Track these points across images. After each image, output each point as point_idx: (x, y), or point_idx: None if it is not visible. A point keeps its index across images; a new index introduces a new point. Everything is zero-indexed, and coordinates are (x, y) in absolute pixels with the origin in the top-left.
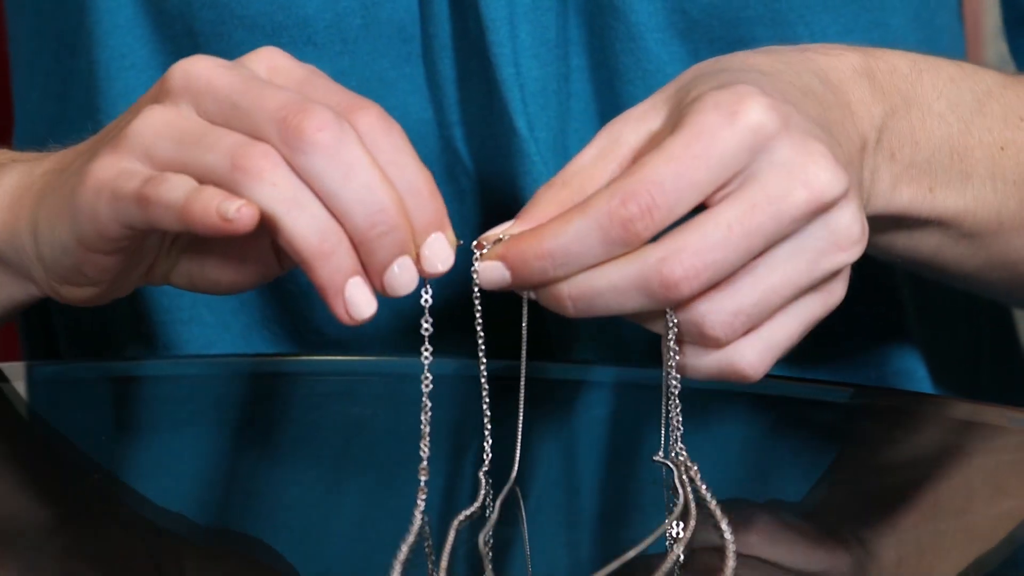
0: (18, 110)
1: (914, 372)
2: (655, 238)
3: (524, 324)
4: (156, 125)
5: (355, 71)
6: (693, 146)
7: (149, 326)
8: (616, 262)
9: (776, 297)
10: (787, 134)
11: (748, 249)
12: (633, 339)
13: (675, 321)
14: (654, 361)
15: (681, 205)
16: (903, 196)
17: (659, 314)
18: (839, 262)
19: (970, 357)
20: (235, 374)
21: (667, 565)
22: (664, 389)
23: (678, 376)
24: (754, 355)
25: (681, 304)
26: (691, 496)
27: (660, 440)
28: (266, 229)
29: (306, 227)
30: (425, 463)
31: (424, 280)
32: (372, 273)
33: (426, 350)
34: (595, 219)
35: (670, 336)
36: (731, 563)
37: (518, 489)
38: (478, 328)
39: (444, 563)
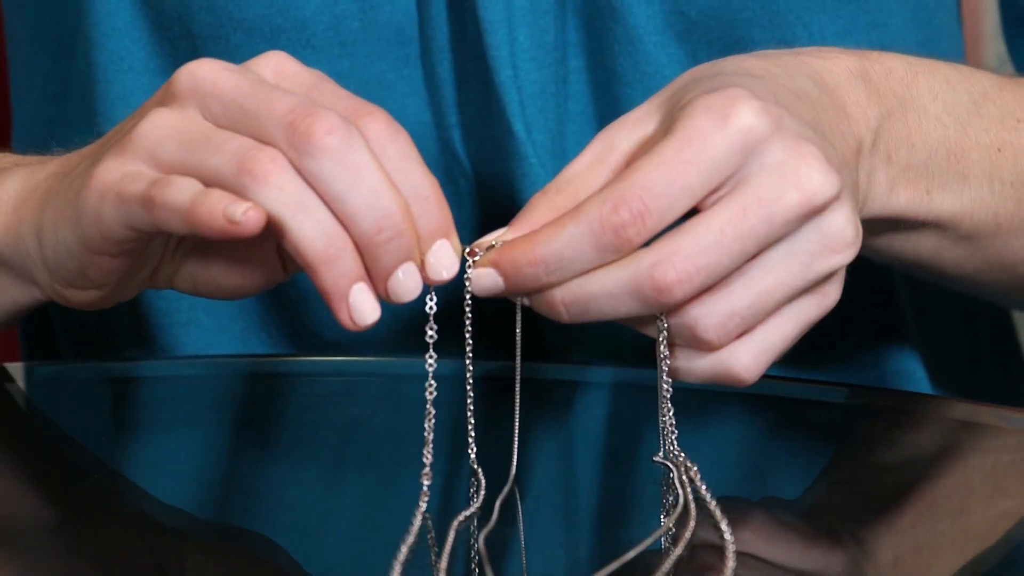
0: (16, 112)
1: (912, 373)
2: (648, 242)
3: (518, 331)
4: (162, 128)
5: (353, 73)
6: (684, 150)
7: (147, 329)
8: (609, 267)
9: (770, 300)
10: (779, 137)
11: (741, 252)
12: (629, 343)
13: (665, 326)
14: (650, 363)
15: (673, 210)
16: (900, 198)
17: (653, 318)
18: (832, 265)
19: (968, 358)
20: (234, 375)
21: (667, 565)
22: (659, 392)
23: (669, 380)
24: (748, 358)
25: (674, 308)
26: (691, 496)
27: (658, 441)
28: (271, 233)
29: (312, 231)
30: (428, 469)
31: (429, 287)
32: (376, 279)
33: (431, 357)
34: (587, 225)
35: (661, 340)
36: (731, 563)
37: (517, 490)
38: (467, 335)
39: (444, 563)
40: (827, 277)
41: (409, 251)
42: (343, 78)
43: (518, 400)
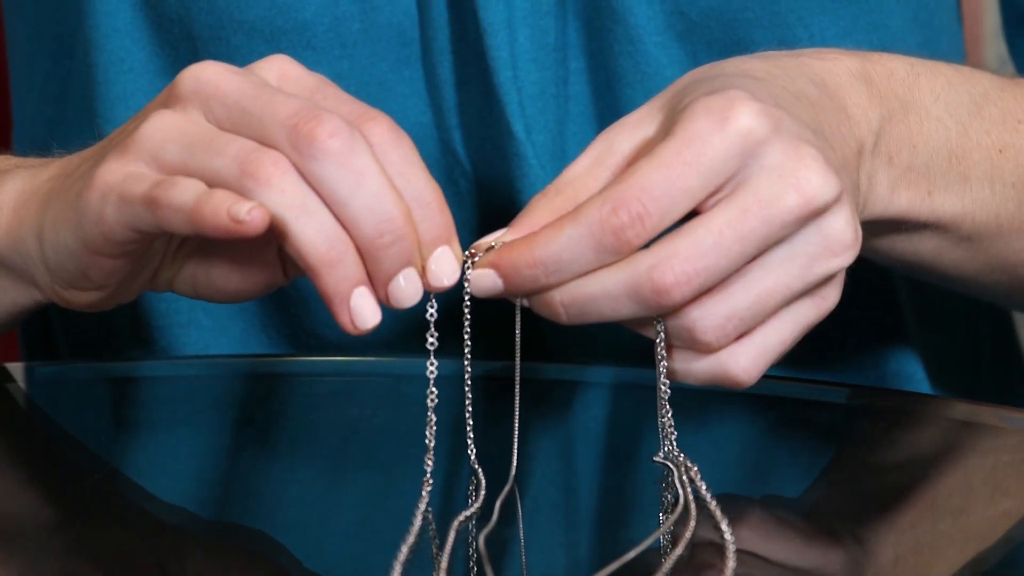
0: (16, 112)
1: (913, 374)
2: (647, 244)
3: (517, 331)
4: (164, 130)
5: (354, 75)
6: (684, 152)
7: (147, 330)
8: (608, 269)
9: (769, 302)
10: (778, 139)
11: (740, 254)
12: (629, 343)
13: (662, 328)
14: (650, 363)
15: (672, 212)
16: (901, 200)
17: (652, 320)
18: (832, 267)
19: (969, 359)
20: (234, 375)
21: (667, 565)
22: (658, 393)
23: (667, 382)
24: (747, 360)
25: (673, 309)
26: (691, 496)
27: (659, 441)
28: (273, 236)
29: (314, 234)
30: (429, 476)
31: (430, 294)
32: (377, 283)
33: (431, 364)
34: (586, 227)
35: (659, 342)
36: (731, 563)
37: (517, 490)
38: (466, 336)
39: (444, 563)
40: (826, 279)
41: (410, 256)
42: (344, 79)
43: (518, 400)
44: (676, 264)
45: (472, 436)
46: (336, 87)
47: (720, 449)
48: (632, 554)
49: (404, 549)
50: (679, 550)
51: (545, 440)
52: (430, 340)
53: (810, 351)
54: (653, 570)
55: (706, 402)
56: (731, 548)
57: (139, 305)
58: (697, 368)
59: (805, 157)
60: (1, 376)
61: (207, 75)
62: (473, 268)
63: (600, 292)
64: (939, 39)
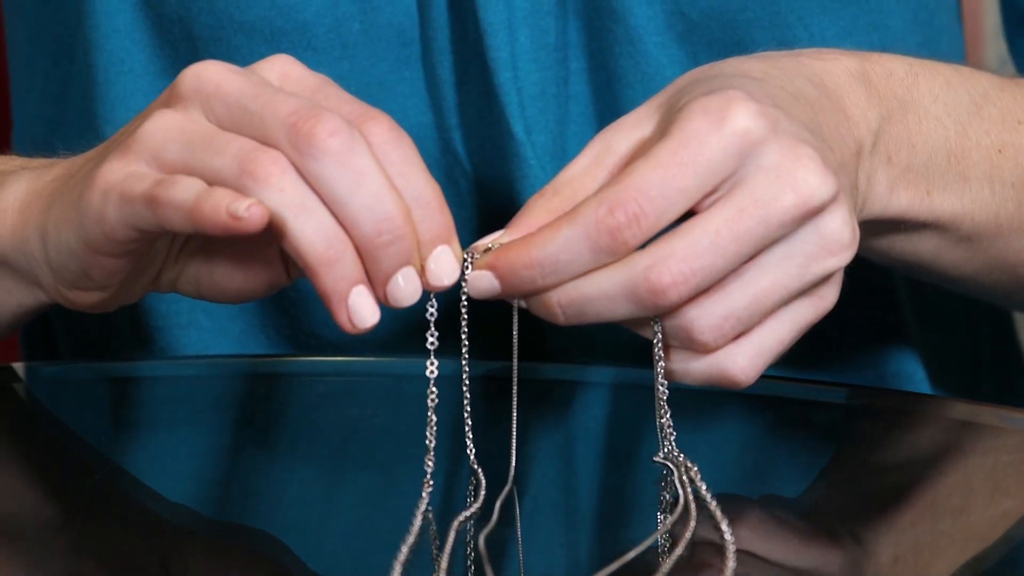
0: (16, 113)
1: (913, 375)
2: (644, 245)
3: (515, 332)
4: (165, 129)
5: (354, 75)
6: (680, 152)
7: (147, 331)
8: (605, 270)
9: (766, 301)
10: (775, 139)
11: (737, 254)
12: (628, 343)
13: (660, 328)
14: (649, 363)
15: (669, 212)
16: (901, 200)
17: (650, 320)
18: (829, 267)
19: (969, 359)
20: (234, 375)
21: (667, 565)
22: (656, 394)
23: (664, 382)
24: (745, 360)
25: (671, 310)
26: (691, 496)
27: (658, 441)
28: (273, 235)
29: (312, 233)
30: (429, 478)
31: (430, 294)
32: (376, 282)
33: (431, 363)
34: (583, 228)
35: (656, 343)
36: (731, 564)
37: (517, 490)
38: (463, 336)
39: (444, 564)
40: (824, 279)
41: (409, 255)
42: (344, 80)
43: (516, 401)
44: (673, 264)
45: (471, 436)
46: (337, 87)
47: (719, 449)
48: (632, 554)
49: (404, 549)
50: (679, 550)
51: (544, 440)
52: (430, 340)
53: (809, 350)
54: (653, 570)
55: (705, 402)
56: (731, 548)
57: (139, 306)
58: (695, 368)
59: (802, 157)
60: (7, 376)
61: (208, 74)
62: (471, 270)
63: (597, 293)
64: (939, 39)
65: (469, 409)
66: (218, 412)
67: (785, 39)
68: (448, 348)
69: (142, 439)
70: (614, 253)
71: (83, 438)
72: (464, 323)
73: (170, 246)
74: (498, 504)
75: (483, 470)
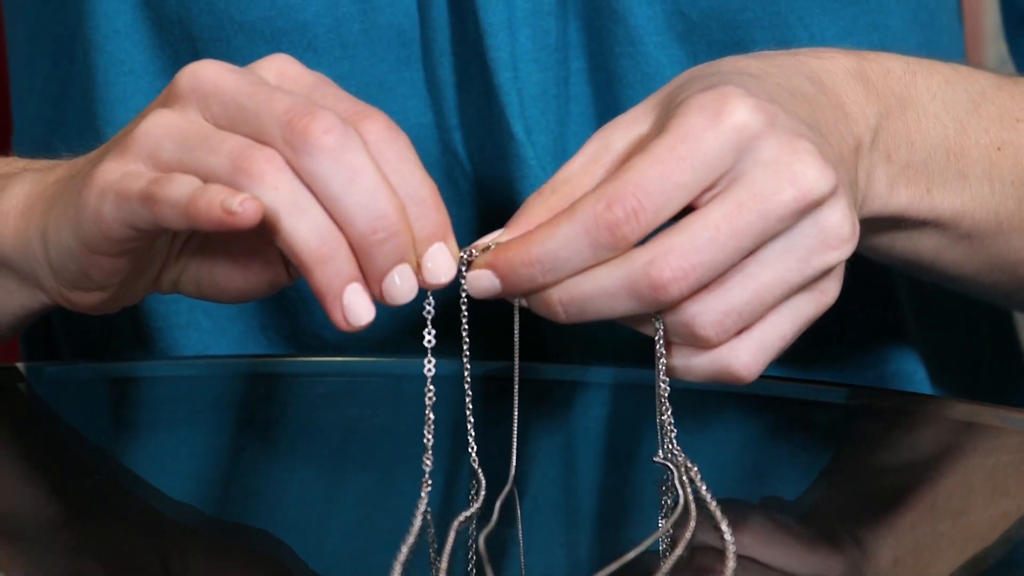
0: (17, 113)
1: (913, 374)
2: (643, 241)
3: (516, 331)
4: (161, 128)
5: (354, 76)
6: (678, 148)
7: (146, 332)
8: (605, 266)
9: (768, 296)
10: (773, 133)
11: (737, 249)
12: (629, 343)
13: (661, 325)
14: (650, 363)
15: (667, 207)
16: (901, 197)
17: (651, 317)
18: (830, 260)
19: (969, 359)
20: (234, 375)
21: (668, 565)
22: (656, 391)
23: (666, 379)
24: (747, 356)
25: (672, 306)
26: (691, 497)
27: (658, 441)
28: (267, 232)
29: (306, 231)
30: (427, 477)
31: (427, 292)
32: (371, 280)
33: (429, 362)
34: (581, 224)
35: (658, 339)
36: (731, 564)
37: (517, 490)
38: (463, 333)
39: (444, 564)
40: (825, 274)
41: (404, 253)
42: (344, 80)
43: (516, 400)
44: (672, 259)
45: (473, 434)
46: (335, 85)
47: (719, 449)
48: (632, 554)
49: (404, 549)
50: (679, 550)
51: (545, 440)
52: (428, 338)
53: (810, 349)
54: (653, 570)
55: (705, 402)
56: (731, 548)
57: (139, 307)
58: (697, 364)
59: (800, 151)
60: (5, 376)
61: (205, 73)
62: (470, 269)
63: (598, 290)
64: (939, 39)
65: (471, 407)
66: (218, 412)
67: (785, 39)
68: (448, 348)
69: (142, 439)
70: (613, 248)
71: (83, 438)
72: (464, 322)
73: (170, 246)
74: (498, 504)
75: (483, 470)
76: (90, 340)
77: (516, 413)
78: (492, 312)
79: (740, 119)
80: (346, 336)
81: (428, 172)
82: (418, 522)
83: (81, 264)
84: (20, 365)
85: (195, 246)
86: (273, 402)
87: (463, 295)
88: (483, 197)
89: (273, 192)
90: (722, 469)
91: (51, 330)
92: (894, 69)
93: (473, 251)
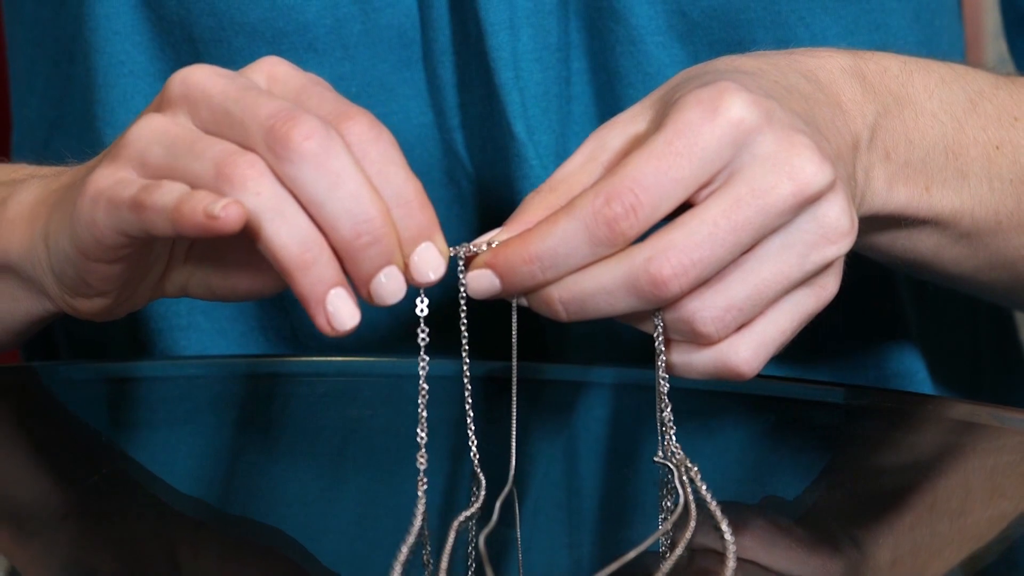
0: (16, 115)
1: (915, 374)
2: (643, 237)
3: (514, 332)
4: (150, 133)
5: (356, 76)
6: (675, 143)
7: (146, 333)
8: (605, 264)
9: (767, 291)
10: (769, 128)
11: (736, 244)
12: (628, 339)
13: (660, 322)
14: (650, 362)
15: (665, 202)
16: (900, 195)
17: (651, 314)
18: (829, 255)
19: (970, 358)
20: (234, 375)
21: (668, 565)
22: (657, 388)
23: (666, 376)
24: (748, 351)
25: (672, 302)
26: (691, 497)
27: (658, 440)
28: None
29: (287, 237)
30: (423, 474)
31: (420, 291)
32: (359, 283)
33: (423, 360)
34: (580, 220)
35: (656, 336)
36: (731, 563)
37: (517, 490)
38: (462, 327)
39: (444, 564)
40: (824, 268)
41: (390, 255)
42: (345, 81)
43: (515, 401)
44: (672, 256)
45: (473, 434)
46: (324, 85)
47: (719, 450)
48: (632, 554)
49: (404, 549)
50: (679, 550)
51: (545, 440)
52: (421, 336)
53: (812, 349)
54: (653, 571)
55: (705, 403)
56: (731, 548)
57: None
58: (698, 361)
59: (797, 145)
60: (5, 376)
61: (195, 78)
62: (469, 269)
63: (598, 287)
64: (940, 39)
65: (471, 400)
66: (218, 412)
67: (786, 39)
68: (449, 348)
69: (142, 439)
70: (612, 244)
71: (84, 437)
72: (463, 313)
73: (171, 252)
74: (498, 504)
75: (483, 470)
76: (89, 342)
77: (515, 413)
78: (493, 312)
79: (736, 114)
80: (346, 337)
81: (430, 172)
82: (418, 522)
83: (78, 270)
84: (20, 365)
85: (201, 250)
86: (273, 402)
87: (462, 290)
88: (484, 197)
89: (255, 198)
90: (723, 469)
91: (50, 332)
92: (891, 68)
93: (471, 247)
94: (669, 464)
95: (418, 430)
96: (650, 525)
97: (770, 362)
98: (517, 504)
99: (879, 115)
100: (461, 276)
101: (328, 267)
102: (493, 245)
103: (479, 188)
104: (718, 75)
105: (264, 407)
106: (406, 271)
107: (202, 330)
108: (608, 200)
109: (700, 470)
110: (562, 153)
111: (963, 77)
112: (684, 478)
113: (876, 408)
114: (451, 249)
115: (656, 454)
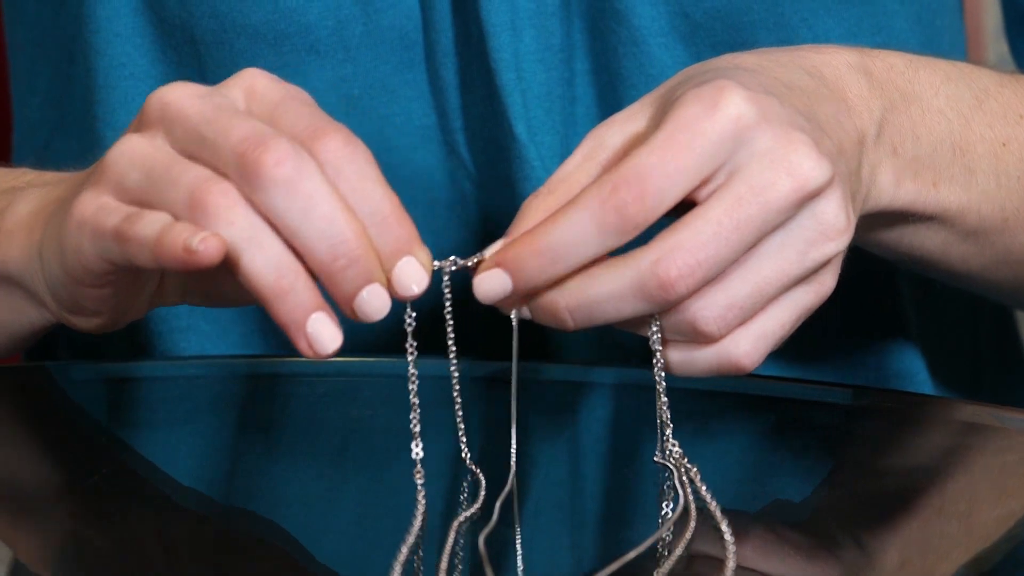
0: (17, 117)
1: (916, 374)
2: (646, 239)
3: (514, 332)
4: (128, 156)
5: (358, 78)
6: (676, 137)
7: (146, 335)
8: (611, 269)
9: (768, 289)
10: (767, 124)
11: (740, 242)
12: (627, 340)
13: (658, 324)
14: (648, 362)
15: (671, 192)
16: (907, 191)
17: (649, 318)
18: (828, 252)
19: (971, 358)
20: (234, 375)
21: (667, 565)
22: (656, 388)
23: (663, 374)
24: (748, 345)
25: (677, 303)
26: (691, 497)
27: (658, 440)
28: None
29: (263, 265)
30: (419, 466)
31: (406, 304)
32: (341, 303)
33: (412, 374)
34: (587, 210)
35: (652, 336)
36: (731, 563)
37: (517, 490)
38: (449, 328)
39: (444, 564)
40: (823, 264)
41: (369, 274)
42: (347, 83)
43: (515, 401)
44: (679, 256)
45: (465, 433)
46: (301, 100)
47: (721, 450)
48: (632, 554)
49: (404, 549)
50: (679, 550)
51: (545, 441)
52: (409, 350)
53: (813, 348)
54: (653, 571)
55: (706, 403)
56: (731, 549)
57: None
58: (699, 359)
59: (795, 141)
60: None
61: (170, 98)
62: (447, 279)
63: (605, 293)
64: (941, 39)
65: (461, 401)
66: (218, 412)
67: (789, 40)
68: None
69: (142, 439)
70: (621, 232)
71: (84, 438)
72: (450, 334)
73: (162, 270)
74: (498, 504)
75: (484, 470)
76: (89, 343)
77: (515, 413)
78: (493, 312)
79: (735, 109)
80: (345, 339)
81: (432, 173)
82: (418, 522)
83: (70, 292)
84: (20, 365)
85: None
86: (273, 402)
87: (447, 305)
88: (487, 198)
89: (228, 227)
90: (724, 470)
91: (50, 334)
92: (897, 64)
93: (457, 261)
94: (669, 464)
95: (412, 445)
96: (650, 525)
97: (770, 362)
98: (517, 504)
99: (886, 110)
100: (446, 290)
101: (305, 293)
102: (486, 256)
103: (481, 189)
104: (718, 73)
105: (264, 407)
106: (389, 286)
107: (202, 332)
108: (615, 188)
109: (700, 471)
110: (564, 154)
111: (968, 75)
112: (684, 478)
113: (877, 408)
114: (436, 263)
115: (656, 454)
